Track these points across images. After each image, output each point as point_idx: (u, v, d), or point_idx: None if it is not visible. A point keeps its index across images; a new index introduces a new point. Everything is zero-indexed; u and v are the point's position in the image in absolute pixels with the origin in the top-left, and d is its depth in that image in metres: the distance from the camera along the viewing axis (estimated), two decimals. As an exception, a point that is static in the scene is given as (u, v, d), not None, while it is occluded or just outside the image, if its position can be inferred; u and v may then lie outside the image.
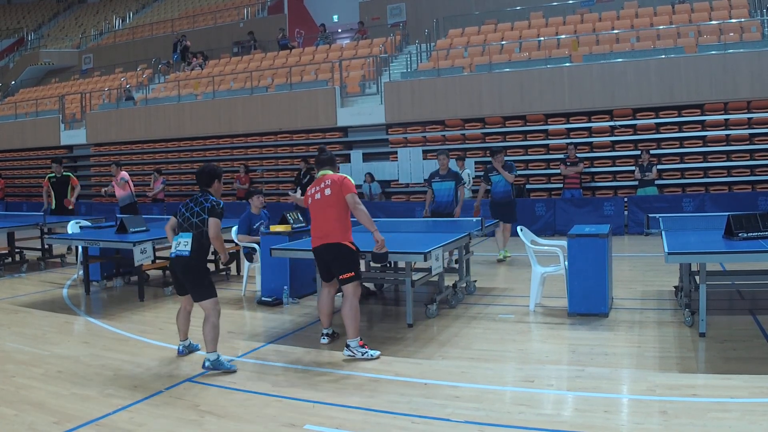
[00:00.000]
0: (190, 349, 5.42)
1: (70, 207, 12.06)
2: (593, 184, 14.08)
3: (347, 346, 5.19)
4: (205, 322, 4.99)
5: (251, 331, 6.40)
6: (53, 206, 12.24)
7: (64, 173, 12.33)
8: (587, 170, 14.08)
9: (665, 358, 4.90)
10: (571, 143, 13.91)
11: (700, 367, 4.73)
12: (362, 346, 5.17)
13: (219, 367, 4.91)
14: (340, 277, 5.25)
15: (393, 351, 5.38)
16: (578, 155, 13.60)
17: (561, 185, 13.89)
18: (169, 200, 17.90)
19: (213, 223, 5.01)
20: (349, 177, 5.41)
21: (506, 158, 10.33)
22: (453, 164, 11.34)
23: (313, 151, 17.01)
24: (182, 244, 5.06)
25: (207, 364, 4.93)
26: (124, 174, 12.78)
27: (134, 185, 13.31)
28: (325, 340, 5.65)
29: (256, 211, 8.31)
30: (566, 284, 6.29)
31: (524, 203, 13.63)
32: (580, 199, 13.37)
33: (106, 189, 13.72)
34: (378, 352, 5.20)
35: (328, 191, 5.33)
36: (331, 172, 5.49)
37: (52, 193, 12.21)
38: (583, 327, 5.88)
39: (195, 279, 5.06)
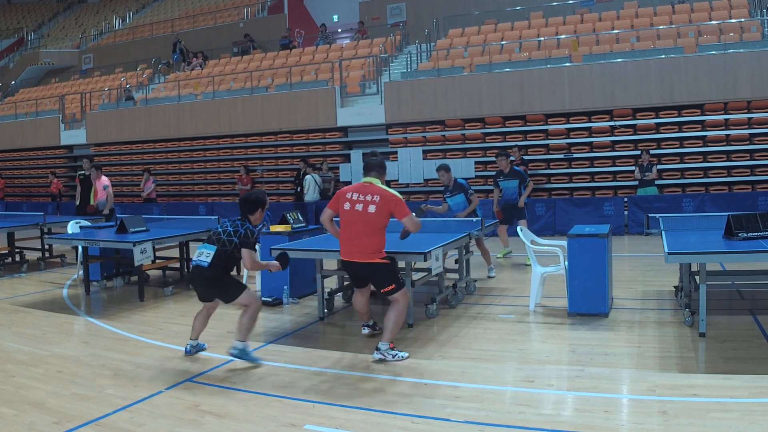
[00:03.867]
0: (197, 349, 5.40)
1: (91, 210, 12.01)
2: (593, 184, 14.08)
3: (377, 348, 5.06)
4: (244, 313, 5.05)
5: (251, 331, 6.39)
6: (77, 203, 12.28)
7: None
8: (587, 170, 14.09)
9: (665, 358, 4.90)
10: (515, 146, 14.05)
11: (700, 367, 4.73)
12: (392, 349, 5.04)
13: (245, 357, 4.98)
14: (382, 291, 5.15)
15: (393, 351, 5.38)
16: (523, 157, 13.84)
17: (558, 185, 13.92)
18: (169, 200, 17.93)
19: (246, 254, 4.97)
20: (399, 195, 5.06)
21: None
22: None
23: (313, 150, 17.06)
24: (204, 254, 5.04)
25: (234, 352, 4.97)
26: (105, 180, 11.83)
27: (134, 185, 13.30)
28: (365, 330, 5.75)
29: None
30: (566, 284, 6.29)
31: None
32: (580, 199, 13.37)
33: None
34: (407, 354, 5.12)
35: (372, 208, 4.95)
36: (378, 182, 5.10)
37: (80, 190, 12.24)
38: (583, 327, 5.88)
39: (218, 285, 5.08)
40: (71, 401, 4.35)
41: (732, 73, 12.95)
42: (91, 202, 12.32)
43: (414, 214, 5.19)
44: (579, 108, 14.12)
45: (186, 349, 5.33)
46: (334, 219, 5.33)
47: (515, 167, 10.11)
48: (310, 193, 15.36)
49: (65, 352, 5.60)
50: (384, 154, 16.06)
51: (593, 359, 4.95)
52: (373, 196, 4.95)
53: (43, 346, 5.78)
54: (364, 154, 5.48)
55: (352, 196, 5.06)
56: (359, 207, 4.97)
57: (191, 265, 5.16)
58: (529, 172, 14.56)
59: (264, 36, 22.86)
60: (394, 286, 5.07)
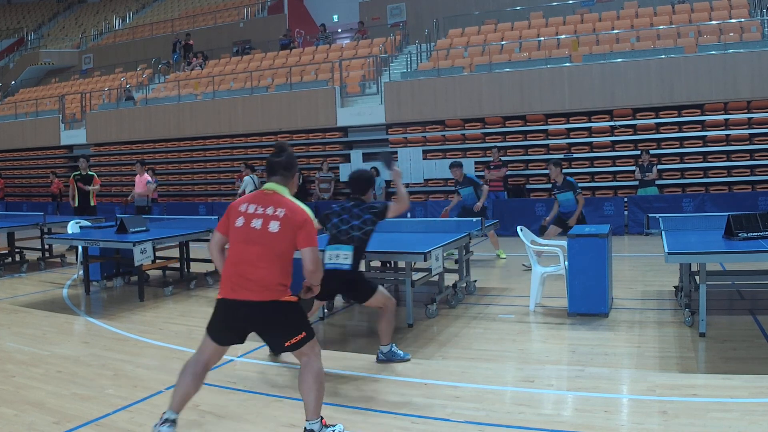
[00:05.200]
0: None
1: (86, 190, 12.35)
2: (593, 184, 14.08)
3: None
4: (381, 317, 4.90)
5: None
6: (76, 204, 12.37)
7: (89, 172, 12.47)
8: (587, 170, 14.09)
9: (665, 358, 4.90)
10: (494, 146, 14.12)
11: (700, 367, 4.73)
12: (326, 426, 3.72)
13: (394, 358, 4.95)
14: (286, 344, 3.59)
15: (393, 351, 5.37)
16: (502, 158, 13.90)
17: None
18: (169, 200, 17.92)
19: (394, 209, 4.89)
20: (310, 213, 3.61)
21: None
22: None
23: (313, 150, 17.05)
24: (342, 256, 4.84)
25: (382, 357, 4.92)
26: (147, 176, 13.11)
27: (134, 185, 13.40)
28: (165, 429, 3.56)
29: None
30: (566, 284, 6.29)
31: (524, 203, 13.66)
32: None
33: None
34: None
35: (275, 226, 3.51)
36: (284, 190, 3.66)
37: (77, 191, 12.34)
38: (583, 327, 5.88)
39: (358, 286, 4.92)
40: (71, 401, 4.35)
41: (732, 73, 12.95)
42: (91, 203, 12.40)
43: (319, 258, 3.70)
44: (579, 108, 14.12)
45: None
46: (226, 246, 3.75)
47: (568, 178, 9.21)
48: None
49: (65, 352, 5.60)
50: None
51: (593, 359, 4.95)
52: (276, 209, 3.54)
53: (43, 346, 5.78)
54: (275, 147, 3.81)
55: (247, 209, 3.60)
56: (256, 223, 3.53)
57: (325, 269, 4.47)
58: (528, 172, 14.60)
59: (264, 36, 22.86)
60: (304, 334, 3.57)
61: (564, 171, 8.69)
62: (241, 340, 3.71)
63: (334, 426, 3.76)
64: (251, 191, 15.82)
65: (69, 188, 12.88)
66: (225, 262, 3.65)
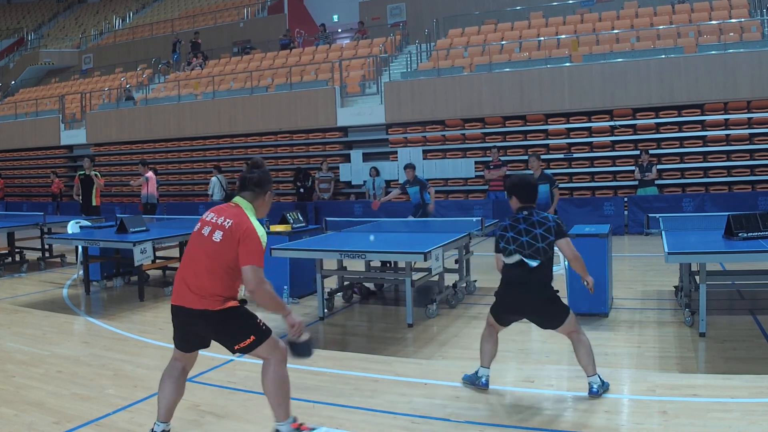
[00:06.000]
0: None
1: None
2: (593, 184, 14.08)
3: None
4: (577, 348, 4.20)
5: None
6: (81, 201, 12.42)
7: (93, 172, 12.49)
8: (587, 170, 14.09)
9: (665, 358, 4.90)
10: (494, 146, 14.09)
11: (700, 367, 4.73)
12: (296, 429, 3.56)
13: (603, 389, 4.17)
14: (236, 348, 3.47)
15: (393, 351, 5.38)
16: (501, 158, 13.89)
17: (561, 185, 13.89)
18: (169, 200, 17.92)
19: (566, 244, 4.23)
20: (261, 230, 3.44)
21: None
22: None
23: (313, 150, 17.05)
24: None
25: (594, 389, 4.13)
26: (151, 175, 13.27)
27: (132, 185, 13.52)
28: None
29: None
30: (566, 284, 6.29)
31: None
32: (580, 199, 13.37)
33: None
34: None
35: (218, 235, 3.41)
36: (248, 207, 3.53)
37: (81, 191, 12.39)
38: (583, 327, 5.85)
39: (552, 306, 4.22)
40: (71, 401, 4.35)
41: (732, 73, 12.95)
42: (93, 203, 12.42)
43: (262, 275, 3.40)
44: (579, 108, 14.12)
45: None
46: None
47: (545, 171, 9.80)
48: (216, 195, 16.25)
49: (65, 352, 5.60)
50: (384, 154, 16.11)
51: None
52: (226, 219, 3.45)
53: (43, 346, 5.77)
54: (245, 170, 3.69)
55: (206, 216, 3.59)
56: (206, 231, 3.49)
57: (515, 291, 4.19)
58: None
59: (264, 36, 22.86)
60: (253, 338, 3.44)
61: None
62: (204, 344, 3.62)
63: (313, 429, 3.62)
64: (218, 191, 16.10)
65: (74, 187, 13.01)
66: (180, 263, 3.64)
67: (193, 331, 3.53)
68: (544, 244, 4.19)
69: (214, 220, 3.50)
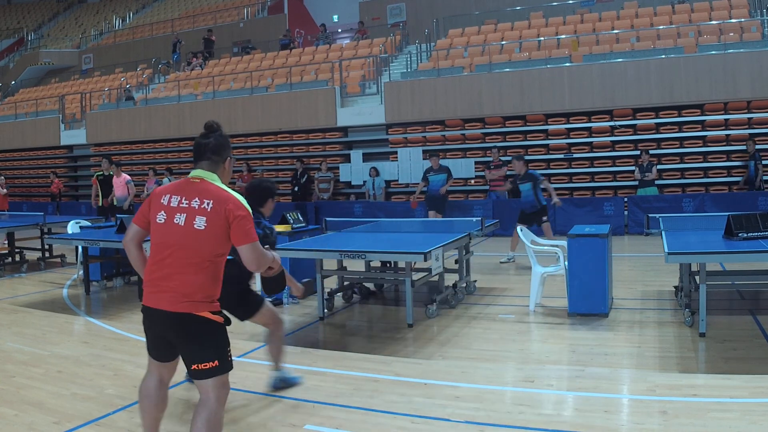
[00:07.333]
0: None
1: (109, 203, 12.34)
2: (593, 184, 14.08)
3: None
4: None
5: (251, 331, 6.38)
6: (100, 204, 12.37)
7: (111, 172, 12.45)
8: (587, 170, 14.09)
9: (665, 358, 4.90)
10: (494, 146, 14.12)
11: (700, 367, 4.73)
12: None
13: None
14: (193, 368, 2.99)
15: (393, 351, 5.38)
16: (502, 158, 13.89)
17: (558, 185, 13.92)
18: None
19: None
20: (242, 198, 3.03)
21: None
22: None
23: (313, 151, 17.05)
24: None
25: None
26: (126, 176, 12.81)
27: (134, 185, 13.41)
28: None
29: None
30: (566, 284, 6.29)
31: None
32: (580, 199, 13.37)
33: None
34: None
35: (201, 222, 2.95)
36: (214, 177, 3.09)
37: (100, 191, 12.34)
38: (583, 327, 5.88)
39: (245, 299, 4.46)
40: (71, 401, 4.35)
41: (732, 73, 12.95)
42: (114, 203, 12.40)
43: (265, 244, 3.26)
44: (579, 108, 14.11)
45: None
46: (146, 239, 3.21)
47: (530, 170, 9.91)
48: None
49: (65, 352, 5.60)
50: (384, 154, 16.10)
51: (593, 359, 4.95)
52: (203, 200, 2.97)
53: (43, 346, 5.78)
54: (205, 127, 3.14)
55: (169, 201, 3.03)
56: (179, 219, 2.97)
57: None
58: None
59: (264, 36, 22.86)
60: (216, 363, 2.97)
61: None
62: (175, 355, 3.16)
63: None
64: None
65: (92, 188, 12.92)
66: (147, 261, 3.11)
67: (162, 337, 3.06)
68: None
69: (186, 205, 2.98)
